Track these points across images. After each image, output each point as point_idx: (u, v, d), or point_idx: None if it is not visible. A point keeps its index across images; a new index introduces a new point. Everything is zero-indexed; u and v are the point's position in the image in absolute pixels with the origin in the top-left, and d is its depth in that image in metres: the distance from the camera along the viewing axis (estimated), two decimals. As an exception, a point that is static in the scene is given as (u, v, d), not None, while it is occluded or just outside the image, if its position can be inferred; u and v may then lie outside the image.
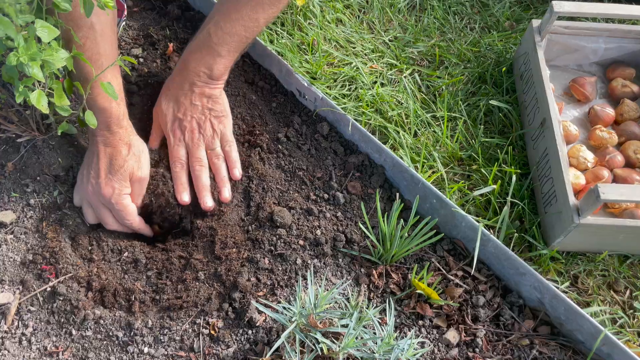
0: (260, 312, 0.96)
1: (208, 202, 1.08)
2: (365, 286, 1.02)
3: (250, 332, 0.95)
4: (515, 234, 1.09)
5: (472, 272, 1.02)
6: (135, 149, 1.07)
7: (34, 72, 0.83)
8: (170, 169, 1.12)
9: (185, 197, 1.09)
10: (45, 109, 0.90)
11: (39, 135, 1.10)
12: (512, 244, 1.08)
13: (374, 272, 1.04)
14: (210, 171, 1.12)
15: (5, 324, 0.93)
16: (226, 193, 1.10)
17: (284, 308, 0.83)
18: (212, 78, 1.12)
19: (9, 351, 0.91)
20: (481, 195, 1.16)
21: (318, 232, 1.07)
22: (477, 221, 1.03)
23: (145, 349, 0.93)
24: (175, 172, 1.11)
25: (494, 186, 1.11)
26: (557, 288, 0.97)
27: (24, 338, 0.93)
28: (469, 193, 1.16)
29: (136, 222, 1.07)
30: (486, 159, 1.24)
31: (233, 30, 1.09)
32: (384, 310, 0.98)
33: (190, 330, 0.95)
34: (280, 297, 0.99)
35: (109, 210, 1.05)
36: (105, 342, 0.94)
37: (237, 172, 1.13)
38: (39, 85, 0.91)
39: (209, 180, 1.11)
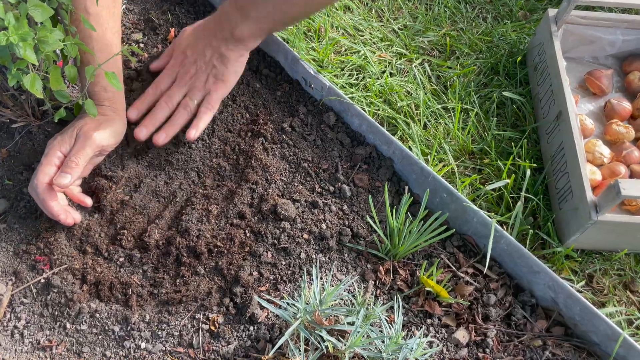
0: (262, 308, 0.94)
1: (142, 132, 1.05)
2: (372, 283, 0.99)
3: (251, 328, 0.93)
4: (531, 231, 1.06)
5: (484, 269, 1.00)
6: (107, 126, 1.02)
7: (25, 54, 0.80)
8: (148, 87, 1.12)
9: (133, 115, 1.08)
10: (39, 94, 0.88)
11: (34, 121, 1.08)
12: (527, 242, 1.05)
13: (381, 268, 1.02)
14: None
15: (-4, 315, 0.91)
16: (161, 137, 1.06)
17: (288, 304, 0.81)
18: (233, 37, 1.08)
19: (0, 345, 0.89)
20: (493, 190, 1.14)
21: (323, 225, 1.05)
22: (490, 217, 1.00)
23: (143, 344, 0.91)
24: (148, 92, 1.11)
25: (508, 180, 1.09)
26: (572, 287, 0.94)
27: (16, 331, 0.91)
28: (480, 187, 1.14)
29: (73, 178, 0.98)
30: (498, 152, 1.22)
31: None
32: (391, 307, 0.96)
33: (189, 325, 0.93)
34: (283, 293, 0.97)
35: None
36: (100, 337, 0.92)
37: (194, 133, 1.07)
38: (34, 68, 0.89)
39: (162, 119, 1.09)
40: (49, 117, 1.09)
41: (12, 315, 0.92)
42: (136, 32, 1.36)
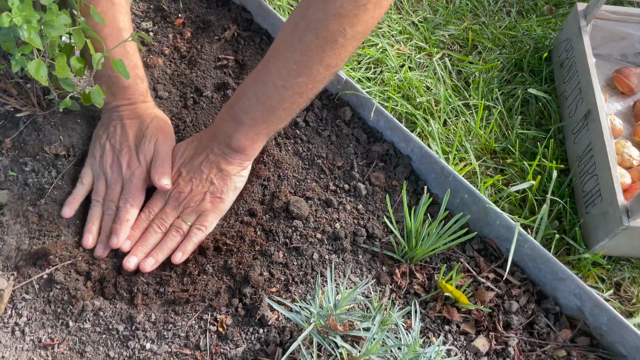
0: (272, 310, 0.92)
1: (132, 263, 0.97)
2: (389, 286, 0.97)
3: (261, 331, 0.91)
4: (557, 236, 1.03)
5: (505, 275, 0.97)
6: (158, 120, 1.06)
7: (30, 37, 0.78)
8: (141, 212, 1.04)
9: (126, 246, 1.00)
10: (44, 81, 0.86)
11: (39, 110, 1.06)
12: (551, 247, 1.02)
13: (397, 270, 0.99)
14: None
15: (-4, 311, 0.89)
16: (148, 264, 0.97)
17: (301, 308, 0.78)
18: (231, 148, 1.00)
19: (0, 342, 0.87)
20: (517, 191, 1.10)
21: (337, 225, 1.02)
22: (513, 220, 0.97)
23: (148, 345, 0.89)
24: (141, 217, 1.03)
25: (533, 182, 1.06)
26: (600, 296, 0.91)
27: (17, 328, 0.89)
28: (504, 188, 1.11)
29: (137, 204, 1.03)
30: (522, 152, 1.19)
31: (256, 97, 0.95)
32: (406, 312, 0.93)
33: (196, 326, 0.91)
34: (294, 294, 0.94)
35: (122, 184, 1.03)
36: (104, 336, 0.90)
37: (179, 258, 0.98)
38: (39, 54, 0.87)
39: (154, 245, 1.00)
40: (54, 107, 1.07)
41: (13, 311, 0.91)
42: (146, 20, 1.35)
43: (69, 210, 1.01)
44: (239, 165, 1.02)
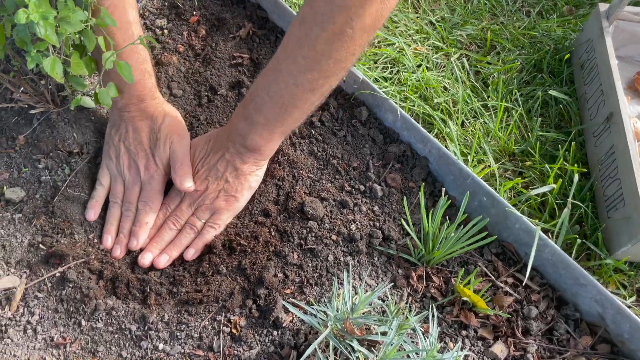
0: (287, 312, 0.91)
1: (146, 260, 0.99)
2: (407, 290, 0.96)
3: (275, 333, 0.90)
4: (578, 240, 1.02)
5: (525, 279, 0.96)
6: (170, 118, 1.05)
7: (46, 34, 0.78)
8: (159, 209, 1.06)
9: (139, 245, 1.02)
10: (59, 78, 0.86)
11: (53, 107, 1.06)
12: (573, 252, 1.01)
13: (413, 274, 0.98)
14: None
15: (9, 310, 0.89)
16: (162, 260, 0.99)
17: (318, 310, 0.77)
18: (247, 148, 1.00)
19: (12, 340, 0.87)
20: (537, 195, 1.09)
21: (353, 226, 1.02)
22: (534, 224, 0.96)
23: (160, 345, 0.88)
24: (159, 216, 1.05)
25: (554, 185, 1.05)
26: (622, 302, 0.90)
27: (29, 327, 0.89)
28: (523, 192, 1.09)
29: (156, 207, 1.04)
30: (541, 155, 1.17)
31: (269, 97, 0.94)
32: (424, 316, 0.92)
33: (209, 327, 0.91)
34: (309, 296, 0.94)
35: (140, 186, 1.04)
36: (117, 336, 0.89)
37: (191, 255, 1.00)
38: (55, 51, 0.86)
39: (169, 241, 1.02)
40: (68, 104, 1.07)
41: (26, 309, 0.90)
42: (160, 17, 1.34)
43: (93, 213, 1.03)
44: (254, 165, 1.02)
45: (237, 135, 1.00)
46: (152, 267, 0.98)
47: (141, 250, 1.01)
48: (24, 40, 0.83)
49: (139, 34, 0.99)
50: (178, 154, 1.04)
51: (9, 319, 0.89)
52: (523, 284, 0.97)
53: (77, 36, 0.89)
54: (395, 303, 0.89)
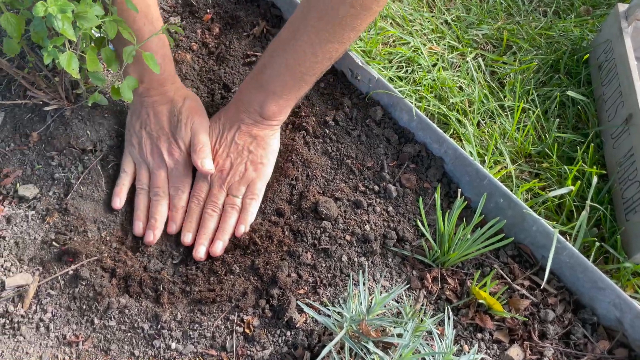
0: (300, 312, 0.91)
1: (201, 252, 0.99)
2: (424, 292, 0.95)
3: (288, 333, 0.90)
4: (597, 243, 1.01)
5: (543, 283, 0.95)
6: (190, 101, 1.07)
7: (64, 28, 0.78)
8: (189, 202, 1.06)
9: (188, 238, 1.02)
10: (75, 74, 0.86)
11: (67, 104, 1.07)
12: (591, 255, 1.00)
13: (428, 275, 0.97)
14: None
15: (22, 307, 0.89)
16: (218, 247, 0.99)
17: (335, 312, 0.77)
18: (263, 117, 1.04)
19: (24, 337, 0.87)
20: (554, 197, 1.08)
21: (367, 227, 1.01)
22: (553, 226, 0.95)
23: (173, 345, 0.88)
24: (191, 207, 1.04)
25: (572, 187, 1.03)
26: (641, 307, 0.89)
27: (41, 324, 0.89)
28: (541, 193, 1.08)
29: (187, 190, 1.05)
30: (558, 156, 1.16)
31: (286, 67, 0.99)
32: (439, 319, 0.91)
33: (222, 327, 0.90)
34: (323, 297, 0.93)
35: (166, 170, 1.05)
36: (129, 334, 0.89)
37: (243, 229, 1.02)
38: (71, 46, 0.87)
39: (215, 228, 1.03)
40: (82, 101, 1.08)
41: (38, 307, 0.91)
42: (174, 15, 1.34)
43: (119, 200, 1.04)
44: (271, 129, 1.06)
45: (252, 106, 1.03)
46: (163, 269, 0.98)
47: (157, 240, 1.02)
48: (41, 34, 0.83)
49: (157, 16, 1.01)
50: (199, 136, 1.05)
51: (22, 316, 0.89)
52: (541, 287, 0.96)
53: (93, 32, 0.89)
54: (410, 305, 0.88)
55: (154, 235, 1.01)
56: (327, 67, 1.02)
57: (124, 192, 1.05)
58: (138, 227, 1.02)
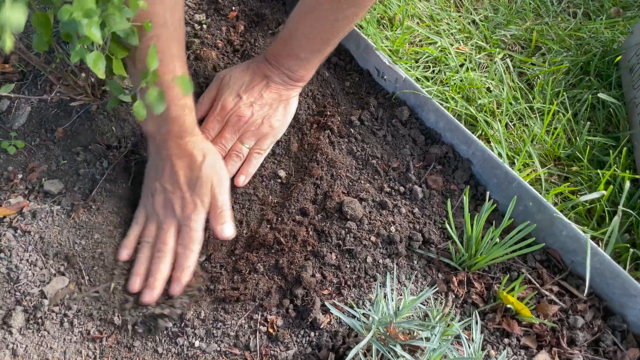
0: (324, 313, 0.90)
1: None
2: (452, 295, 0.94)
3: (312, 334, 0.89)
4: (631, 250, 0.99)
5: (586, 291, 0.93)
6: (210, 158, 1.00)
7: (90, 32, 0.78)
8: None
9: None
10: (102, 74, 0.86)
11: (93, 100, 1.07)
12: (623, 261, 0.98)
13: (454, 278, 0.97)
14: None
15: (47, 302, 0.90)
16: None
17: (363, 314, 0.76)
18: (292, 79, 1.11)
19: (48, 332, 0.88)
20: (585, 201, 1.07)
21: (392, 228, 1.01)
22: (583, 231, 0.94)
23: (196, 343, 0.88)
24: None
25: (604, 192, 1.02)
26: (674, 316, 0.87)
27: (65, 320, 0.90)
28: (571, 198, 1.07)
29: (197, 250, 0.98)
30: (588, 160, 1.15)
31: (311, 32, 1.05)
32: (467, 323, 0.91)
33: (246, 326, 0.90)
34: (347, 298, 0.93)
35: (177, 229, 0.98)
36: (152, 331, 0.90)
37: (243, 179, 1.07)
38: (99, 47, 0.87)
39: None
40: (108, 98, 1.08)
41: (62, 302, 0.91)
42: (199, 12, 1.35)
43: (126, 252, 0.97)
44: (295, 91, 1.13)
45: (281, 68, 1.09)
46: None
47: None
48: (70, 33, 0.84)
49: (181, 69, 0.94)
50: (218, 200, 0.98)
51: (46, 312, 0.90)
52: (569, 293, 0.95)
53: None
54: (441, 308, 0.87)
55: (151, 296, 0.92)
56: (349, 30, 1.07)
57: (133, 243, 0.99)
58: (134, 283, 0.94)
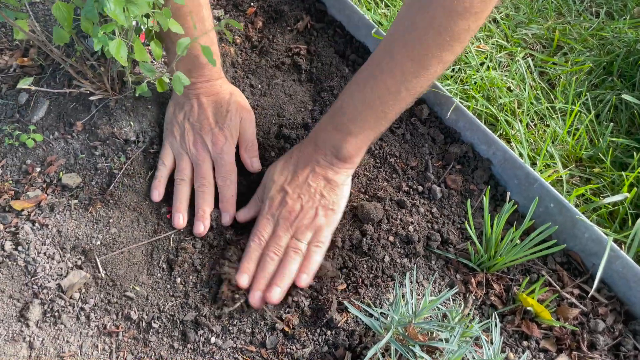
0: (341, 313, 0.90)
1: (256, 298, 0.92)
2: (472, 297, 0.94)
3: (329, 333, 0.89)
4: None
5: (592, 291, 0.92)
6: (237, 96, 1.09)
7: (114, 12, 0.78)
8: (249, 240, 0.98)
9: (244, 280, 0.94)
10: (124, 61, 0.86)
11: (112, 94, 1.08)
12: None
13: (472, 279, 0.96)
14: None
15: (65, 295, 0.90)
16: (276, 294, 0.91)
17: (381, 314, 0.76)
18: (339, 159, 0.98)
19: (65, 326, 0.88)
20: (607, 204, 1.05)
21: (410, 228, 1.00)
22: (606, 234, 0.93)
23: (212, 339, 0.88)
24: (251, 246, 0.97)
25: (628, 194, 1.01)
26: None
27: (82, 313, 0.90)
28: (594, 199, 1.06)
29: (235, 180, 1.04)
30: (610, 161, 1.13)
31: (367, 105, 0.93)
32: (486, 324, 0.90)
33: (262, 323, 0.90)
34: (364, 297, 0.92)
35: (212, 162, 1.05)
36: (169, 327, 0.90)
37: (305, 279, 0.93)
38: (120, 34, 0.87)
39: (274, 272, 0.95)
40: (127, 92, 1.09)
41: (79, 296, 0.92)
42: (218, 8, 1.35)
43: (158, 193, 1.03)
44: (346, 174, 1.00)
45: (327, 147, 0.98)
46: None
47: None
48: (91, 20, 0.84)
49: (208, 15, 1.03)
50: (248, 134, 1.06)
51: (63, 305, 0.90)
52: (589, 295, 0.94)
53: (144, 19, 0.90)
54: (461, 310, 0.86)
55: (204, 227, 0.99)
56: (409, 104, 0.94)
57: (162, 184, 1.04)
58: (178, 220, 1.00)
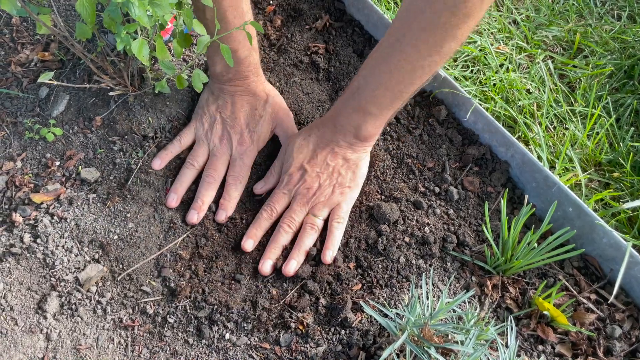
0: (355, 312, 0.90)
1: (267, 267, 0.96)
2: (489, 299, 0.93)
3: (343, 332, 0.89)
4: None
5: (611, 297, 0.92)
6: (274, 98, 1.10)
7: (138, 15, 0.79)
8: (260, 210, 1.02)
9: (249, 245, 0.99)
10: (145, 61, 0.87)
11: (132, 90, 1.08)
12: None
13: (488, 282, 0.96)
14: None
15: (82, 289, 0.91)
16: (292, 267, 0.95)
17: (397, 315, 0.76)
18: (359, 138, 1.00)
19: (81, 318, 0.90)
20: (628, 209, 1.05)
21: (426, 229, 1.00)
22: (624, 239, 0.92)
23: (227, 335, 0.89)
24: (262, 215, 1.01)
25: (648, 199, 1.00)
26: None
27: (99, 307, 0.91)
28: (613, 204, 1.05)
29: (245, 183, 1.06)
30: (631, 166, 1.12)
31: (383, 86, 0.94)
32: (502, 328, 0.90)
33: (276, 321, 0.91)
34: (379, 297, 0.92)
35: (228, 161, 1.07)
36: (184, 322, 0.90)
37: (329, 255, 0.96)
38: (142, 34, 0.88)
39: (286, 245, 0.99)
40: (146, 88, 1.09)
41: (96, 289, 0.93)
42: (237, 5, 1.35)
43: (160, 162, 1.05)
44: (364, 152, 1.04)
45: (347, 128, 1.00)
46: (218, 258, 0.99)
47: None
48: (114, 19, 0.85)
49: (247, 10, 1.02)
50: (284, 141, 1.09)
51: (80, 298, 0.91)
52: (607, 302, 0.93)
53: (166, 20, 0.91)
54: (477, 312, 0.86)
55: (197, 217, 1.01)
56: (425, 82, 0.95)
57: (168, 158, 1.06)
58: (171, 200, 1.02)
